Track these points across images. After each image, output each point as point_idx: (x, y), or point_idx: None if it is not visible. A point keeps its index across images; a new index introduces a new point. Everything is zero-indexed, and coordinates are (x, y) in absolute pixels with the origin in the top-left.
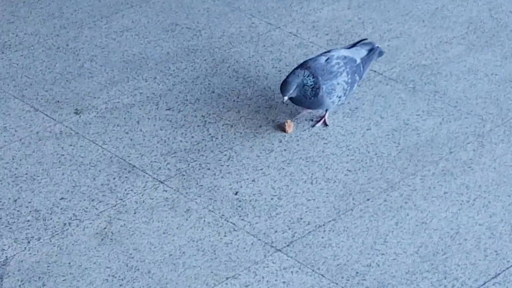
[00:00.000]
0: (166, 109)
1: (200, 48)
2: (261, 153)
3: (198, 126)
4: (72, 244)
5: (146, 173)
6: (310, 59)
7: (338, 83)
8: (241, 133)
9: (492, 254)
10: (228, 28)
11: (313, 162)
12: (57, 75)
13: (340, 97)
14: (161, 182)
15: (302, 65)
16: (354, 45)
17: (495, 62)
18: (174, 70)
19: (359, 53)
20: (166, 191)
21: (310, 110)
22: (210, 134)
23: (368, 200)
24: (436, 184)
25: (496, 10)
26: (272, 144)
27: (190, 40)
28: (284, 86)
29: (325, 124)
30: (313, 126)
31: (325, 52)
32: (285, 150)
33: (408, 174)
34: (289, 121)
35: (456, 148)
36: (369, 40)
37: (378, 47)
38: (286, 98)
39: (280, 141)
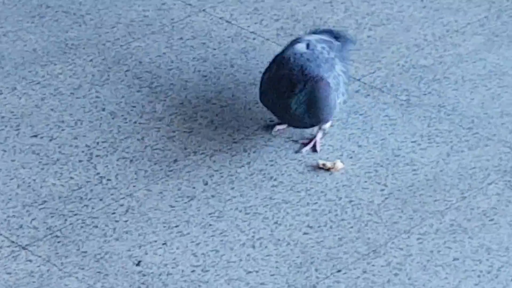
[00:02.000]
0: (32, 136)
1: (84, 43)
2: (176, 201)
3: (80, 161)
4: None
5: (0, 235)
6: (282, 52)
7: (338, 74)
8: (146, 171)
9: None
10: (126, 13)
11: (256, 214)
12: None
13: (343, 94)
14: (23, 248)
15: (279, 65)
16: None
17: None
18: (43, 77)
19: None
20: (30, 261)
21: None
22: (98, 173)
23: (339, 271)
24: (442, 247)
25: None
26: (194, 187)
27: (68, 31)
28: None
29: (315, 149)
30: (297, 151)
31: (293, 41)
32: (213, 196)
33: (400, 231)
34: (330, 163)
35: (471, 191)
36: (335, 29)
37: (347, 37)
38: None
39: (206, 183)
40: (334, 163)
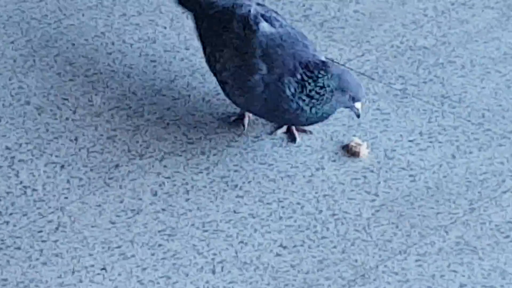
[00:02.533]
0: None
1: (3, 21)
2: (118, 216)
3: None
4: None
5: None
6: (247, 40)
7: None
8: (80, 179)
9: None
10: None
11: (217, 231)
12: None
13: None
14: None
15: (268, 62)
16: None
17: None
18: None
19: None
20: None
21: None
22: (21, 182)
23: None
24: (446, 270)
25: None
26: (140, 199)
27: None
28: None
29: (293, 136)
30: (271, 133)
31: (228, 10)
32: (163, 209)
33: (394, 251)
34: (356, 141)
35: (482, 201)
36: None
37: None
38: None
39: (155, 193)
40: (360, 145)
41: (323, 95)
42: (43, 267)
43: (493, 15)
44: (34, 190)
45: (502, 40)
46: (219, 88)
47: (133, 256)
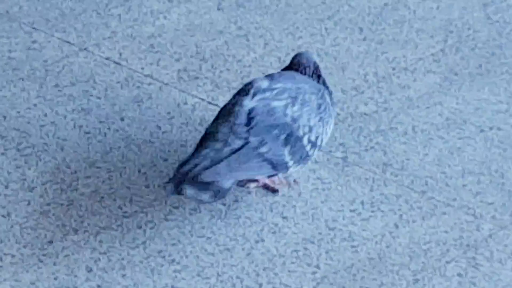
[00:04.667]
0: None
1: None
2: None
3: None
4: None
5: None
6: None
7: None
8: (13, 256)
9: None
10: None
11: None
12: None
13: None
14: None
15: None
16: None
17: (496, 98)
18: None
19: None
20: None
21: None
22: None
23: None
24: None
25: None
26: (75, 276)
27: None
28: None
29: (273, 189)
30: (242, 185)
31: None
32: (99, 286)
33: None
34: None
35: (426, 272)
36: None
37: None
38: None
39: (90, 270)
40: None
41: None
42: None
43: (435, 79)
44: None
45: (444, 105)
46: (155, 159)
47: None
